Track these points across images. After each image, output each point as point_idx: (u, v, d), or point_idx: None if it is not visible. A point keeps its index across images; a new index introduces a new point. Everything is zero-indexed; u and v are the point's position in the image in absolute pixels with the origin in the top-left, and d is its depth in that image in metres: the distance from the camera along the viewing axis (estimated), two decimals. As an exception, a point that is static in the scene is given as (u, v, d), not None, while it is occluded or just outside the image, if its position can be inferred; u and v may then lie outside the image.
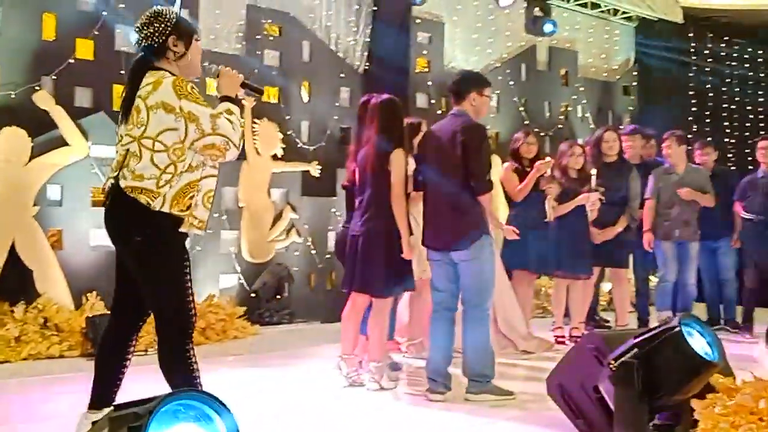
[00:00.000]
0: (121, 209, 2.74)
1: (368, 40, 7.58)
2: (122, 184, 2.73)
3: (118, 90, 6.08)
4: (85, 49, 5.85)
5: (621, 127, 9.08)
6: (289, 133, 6.88)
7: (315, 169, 6.82)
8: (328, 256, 6.93)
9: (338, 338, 4.86)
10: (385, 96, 4.25)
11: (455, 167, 3.86)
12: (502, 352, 4.96)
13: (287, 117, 6.96)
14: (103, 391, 2.92)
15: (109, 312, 5.17)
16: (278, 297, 6.48)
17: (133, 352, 2.98)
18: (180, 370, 2.72)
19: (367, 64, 7.56)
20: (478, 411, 3.78)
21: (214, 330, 5.80)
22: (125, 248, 2.79)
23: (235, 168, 6.53)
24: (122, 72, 5.84)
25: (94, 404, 2.90)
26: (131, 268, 2.81)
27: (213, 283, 6.43)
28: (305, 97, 7.22)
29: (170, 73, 2.79)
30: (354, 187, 4.30)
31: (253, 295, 6.51)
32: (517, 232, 4.80)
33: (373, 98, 4.27)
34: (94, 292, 5.43)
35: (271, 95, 6.99)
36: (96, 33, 5.79)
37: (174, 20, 2.85)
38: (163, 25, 2.82)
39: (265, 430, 3.43)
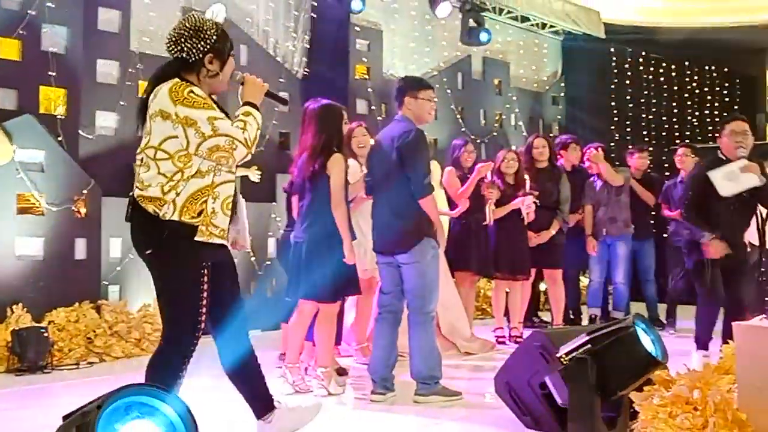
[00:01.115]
0: (135, 220, 2.68)
1: (307, 45, 7.47)
2: (135, 194, 2.67)
3: (46, 92, 5.76)
4: (9, 49, 5.50)
5: (551, 135, 9.34)
6: (226, 138, 6.67)
7: (254, 175, 6.62)
8: (268, 262, 6.74)
9: (279, 346, 4.71)
10: (323, 101, 4.17)
11: (393, 172, 3.85)
12: (446, 354, 4.93)
13: (225, 122, 6.74)
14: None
15: (36, 324, 4.98)
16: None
17: None
18: (165, 379, 2.59)
19: (307, 69, 7.44)
20: (425, 412, 3.75)
21: (150, 341, 5.53)
22: (143, 259, 2.72)
23: (170, 173, 6.27)
24: (51, 73, 5.54)
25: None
26: (155, 282, 2.73)
27: (148, 292, 6.12)
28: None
29: (189, 82, 2.67)
30: (291, 191, 4.23)
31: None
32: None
33: (311, 103, 4.18)
34: (20, 304, 5.08)
35: (207, 99, 6.77)
36: (22, 32, 5.44)
37: (214, 38, 2.72)
38: (202, 43, 2.70)
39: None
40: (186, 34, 2.69)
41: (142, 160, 2.66)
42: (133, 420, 1.81)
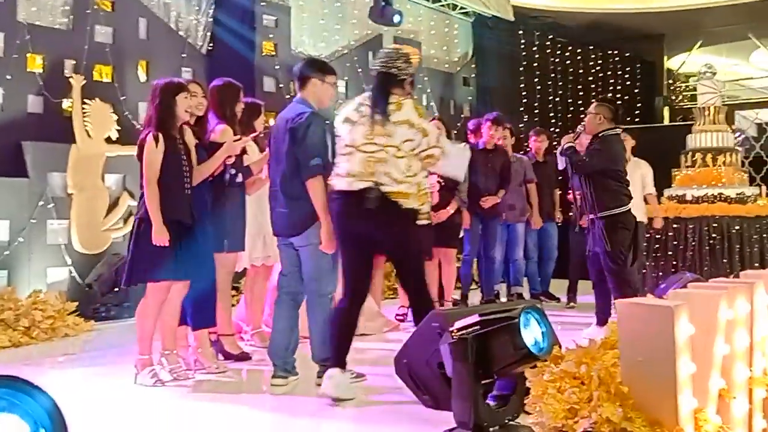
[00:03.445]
0: (390, 210, 3.49)
1: (211, 19, 7.19)
2: (385, 189, 3.48)
3: None
4: None
5: (462, 116, 9.43)
6: (125, 114, 6.36)
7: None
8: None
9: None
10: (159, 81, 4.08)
11: (286, 155, 3.75)
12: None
13: (122, 97, 6.41)
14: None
15: None
16: (116, 290, 5.95)
17: None
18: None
19: (211, 45, 7.16)
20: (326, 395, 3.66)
21: (41, 328, 5.22)
22: (394, 237, 3.55)
23: (63, 152, 5.93)
24: None
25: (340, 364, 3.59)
26: (397, 247, 3.60)
27: (40, 277, 5.81)
28: (142, 77, 6.70)
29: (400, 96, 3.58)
30: None
31: (87, 288, 5.95)
32: None
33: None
34: None
35: (103, 74, 6.43)
36: None
37: (413, 73, 3.69)
38: (411, 69, 3.66)
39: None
40: (403, 57, 3.63)
41: (376, 157, 3.49)
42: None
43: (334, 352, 3.60)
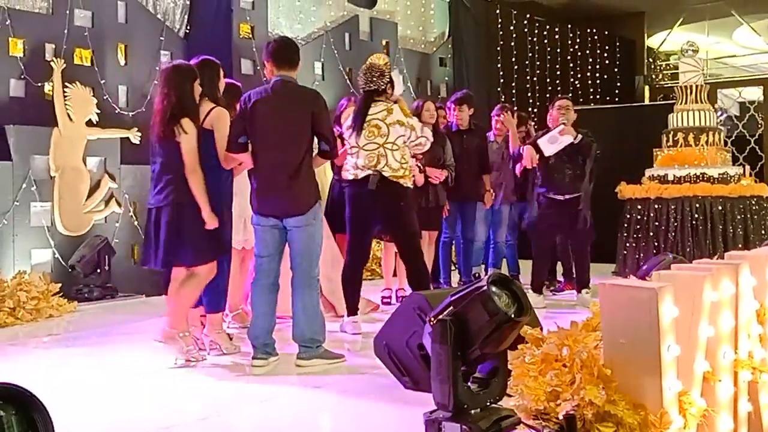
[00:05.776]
0: (389, 189, 4.27)
1: (189, 2, 6.86)
2: (386, 174, 4.27)
3: None
4: None
5: (439, 96, 9.14)
6: (105, 97, 6.08)
7: (135, 136, 6.11)
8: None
9: (163, 312, 4.34)
10: (176, 61, 3.88)
11: (299, 135, 3.59)
12: (325, 315, 4.70)
13: (102, 81, 6.12)
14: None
15: None
16: (98, 271, 5.71)
17: None
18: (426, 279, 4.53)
19: (188, 27, 6.83)
20: (307, 377, 3.52)
21: (26, 309, 5.01)
22: (390, 211, 4.33)
23: (45, 135, 5.68)
24: None
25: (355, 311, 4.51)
26: (393, 221, 4.39)
27: (24, 259, 5.58)
28: (122, 61, 6.40)
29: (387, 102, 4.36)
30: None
31: (70, 270, 5.71)
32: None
33: (166, 63, 3.89)
34: None
35: (83, 57, 6.13)
36: None
37: (390, 77, 4.40)
38: (387, 79, 4.36)
39: (76, 413, 2.90)
40: (377, 72, 4.33)
41: (377, 153, 4.26)
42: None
43: (350, 302, 4.48)
